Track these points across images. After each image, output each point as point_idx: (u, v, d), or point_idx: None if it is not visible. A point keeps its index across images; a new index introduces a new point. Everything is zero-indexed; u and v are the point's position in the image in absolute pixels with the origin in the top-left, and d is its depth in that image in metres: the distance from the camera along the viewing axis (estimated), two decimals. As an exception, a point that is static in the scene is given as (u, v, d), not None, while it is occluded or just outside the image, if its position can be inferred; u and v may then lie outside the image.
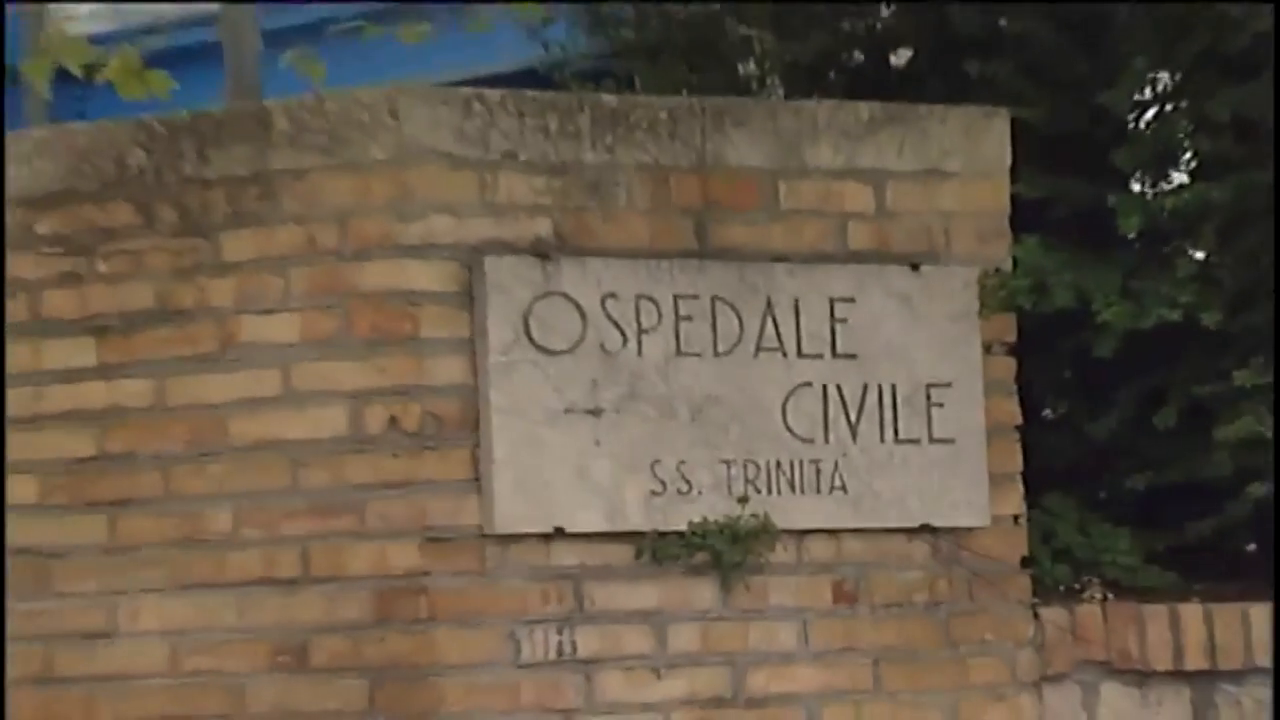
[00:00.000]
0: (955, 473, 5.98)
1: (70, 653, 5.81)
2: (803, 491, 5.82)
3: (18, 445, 5.92)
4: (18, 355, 5.93)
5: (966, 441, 6.00)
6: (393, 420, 5.52)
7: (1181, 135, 6.75)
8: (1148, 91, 6.78)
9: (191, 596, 5.69)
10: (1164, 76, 6.75)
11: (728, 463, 5.75)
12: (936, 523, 5.95)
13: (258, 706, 5.64)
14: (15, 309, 5.94)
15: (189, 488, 5.70)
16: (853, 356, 5.89)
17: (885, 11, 6.68)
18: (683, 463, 5.70)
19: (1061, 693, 6.13)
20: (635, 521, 5.66)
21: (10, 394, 5.95)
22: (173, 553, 5.71)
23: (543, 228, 5.62)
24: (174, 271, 5.73)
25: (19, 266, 5.92)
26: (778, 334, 5.83)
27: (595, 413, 5.63)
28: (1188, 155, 6.79)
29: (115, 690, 5.77)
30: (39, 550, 5.87)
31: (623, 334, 5.67)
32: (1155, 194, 6.73)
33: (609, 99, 5.96)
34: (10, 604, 5.91)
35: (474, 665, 5.51)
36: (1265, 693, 6.38)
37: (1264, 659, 6.32)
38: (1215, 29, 6.44)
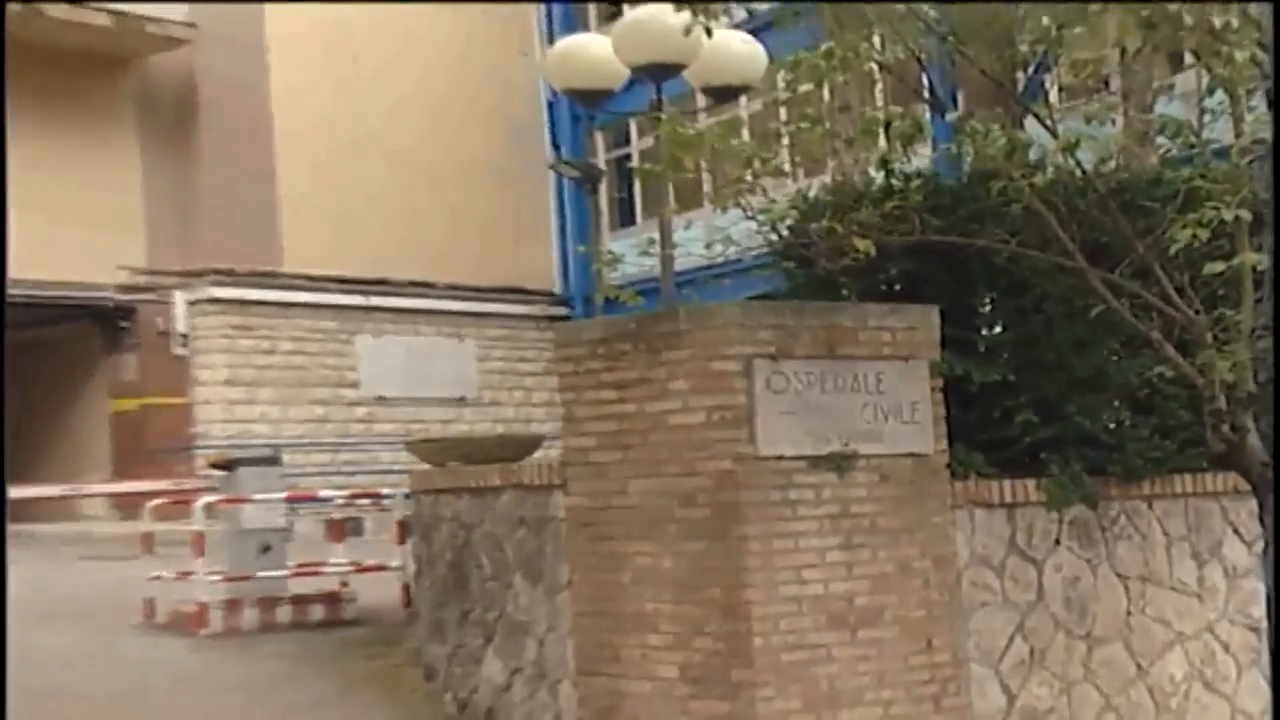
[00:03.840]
0: (921, 434, 6.14)
1: (618, 500, 6.10)
2: (868, 442, 6.04)
3: (590, 425, 6.12)
4: (591, 396, 6.10)
5: (926, 422, 6.16)
6: (722, 417, 5.82)
7: (998, 315, 6.92)
8: (986, 300, 6.91)
9: (652, 478, 5.99)
10: (990, 294, 6.89)
11: (839, 431, 5.97)
12: (915, 451, 6.15)
13: (680, 515, 5.93)
14: (585, 381, 6.09)
15: (651, 440, 6.00)
16: (884, 392, 6.11)
17: (893, 271, 6.78)
18: (823, 430, 5.95)
19: (960, 513, 6.31)
20: (806, 451, 5.87)
21: (584, 408, 6.09)
22: (646, 464, 5.96)
23: (773, 349, 5.91)
24: (634, 365, 5.96)
25: (589, 364, 6.09)
26: (859, 384, 6.07)
27: (792, 414, 5.89)
28: (999, 321, 6.93)
29: (625, 516, 6.06)
30: (594, 462, 6.15)
31: (804, 384, 5.94)
32: (989, 335, 6.89)
33: (794, 304, 6.23)
34: (582, 486, 6.13)
35: (754, 503, 5.79)
36: (1030, 513, 6.38)
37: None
38: (1005, 277, 6.59)
